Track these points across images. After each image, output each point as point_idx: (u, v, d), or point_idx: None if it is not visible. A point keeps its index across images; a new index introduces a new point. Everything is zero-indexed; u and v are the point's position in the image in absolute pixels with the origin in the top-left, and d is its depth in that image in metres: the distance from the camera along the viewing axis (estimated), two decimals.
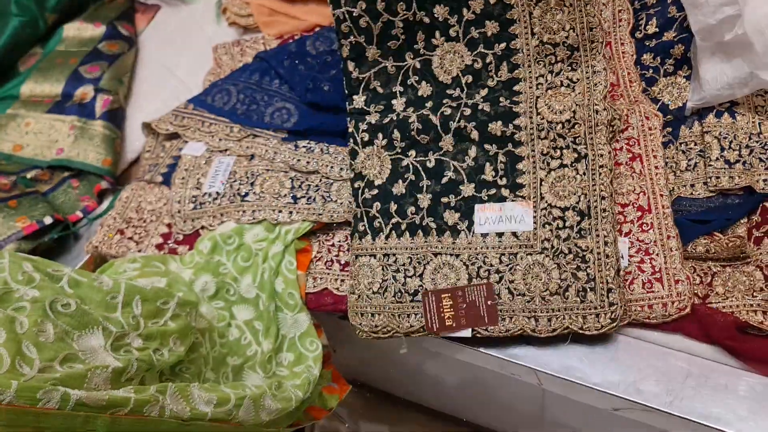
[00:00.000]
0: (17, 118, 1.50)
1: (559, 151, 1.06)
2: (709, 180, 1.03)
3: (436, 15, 1.10)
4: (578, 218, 1.01)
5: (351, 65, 1.15)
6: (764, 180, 1.00)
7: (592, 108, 1.05)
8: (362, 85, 1.16)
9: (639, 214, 1.03)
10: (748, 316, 0.94)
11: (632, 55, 1.18)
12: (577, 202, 1.02)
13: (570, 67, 1.08)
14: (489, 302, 0.99)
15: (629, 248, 1.01)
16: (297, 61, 1.35)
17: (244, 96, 1.35)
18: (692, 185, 1.05)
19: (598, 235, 0.99)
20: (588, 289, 0.97)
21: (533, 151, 1.07)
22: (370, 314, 1.06)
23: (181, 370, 0.92)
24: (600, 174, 1.02)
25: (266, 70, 1.38)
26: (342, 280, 1.13)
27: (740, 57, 1.01)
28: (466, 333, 1.00)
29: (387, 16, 1.10)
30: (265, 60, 1.39)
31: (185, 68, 1.62)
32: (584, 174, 1.03)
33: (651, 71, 1.17)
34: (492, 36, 1.10)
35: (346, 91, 1.16)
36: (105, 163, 1.40)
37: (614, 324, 0.95)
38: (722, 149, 1.04)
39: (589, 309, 0.96)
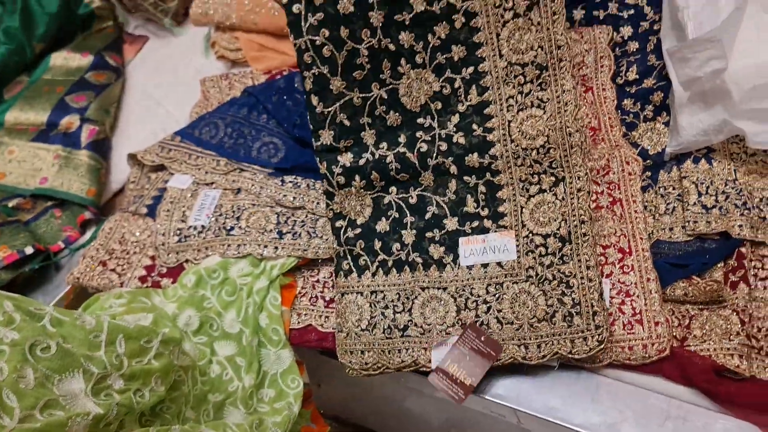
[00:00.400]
0: (0, 145, 1.50)
1: (537, 177, 1.08)
2: (687, 224, 1.05)
3: (401, 42, 1.08)
4: (560, 244, 1.03)
5: (315, 99, 1.09)
6: (740, 225, 1.03)
7: (565, 131, 1.07)
8: (328, 120, 1.11)
9: (620, 256, 1.05)
10: (725, 360, 0.95)
11: (613, 101, 1.21)
12: (558, 228, 1.04)
13: (539, 87, 1.08)
14: (483, 338, 1.01)
15: (610, 289, 1.03)
16: (285, 97, 1.36)
17: (232, 130, 1.36)
18: (671, 229, 1.07)
19: (579, 260, 1.02)
20: (574, 314, 0.99)
21: (512, 178, 1.09)
22: (359, 352, 1.06)
23: (162, 410, 0.91)
24: (578, 198, 1.05)
25: (254, 104, 1.39)
26: (327, 317, 1.13)
27: (717, 104, 1.05)
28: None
29: (351, 44, 1.06)
30: (253, 95, 1.40)
31: (172, 100, 1.63)
32: (563, 199, 1.05)
33: (631, 116, 1.20)
34: (459, 60, 1.09)
35: (311, 127, 1.12)
36: (89, 193, 1.39)
37: (601, 346, 0.97)
38: (699, 194, 1.07)
39: (577, 333, 0.98)
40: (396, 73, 1.10)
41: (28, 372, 0.72)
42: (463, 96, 1.10)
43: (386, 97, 1.11)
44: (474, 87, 1.10)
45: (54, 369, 0.75)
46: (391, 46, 1.08)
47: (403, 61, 1.09)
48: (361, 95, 1.11)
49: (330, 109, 1.10)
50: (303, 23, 1.04)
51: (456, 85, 1.10)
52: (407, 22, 1.07)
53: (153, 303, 1.10)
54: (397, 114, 1.12)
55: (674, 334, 1.00)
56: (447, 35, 1.08)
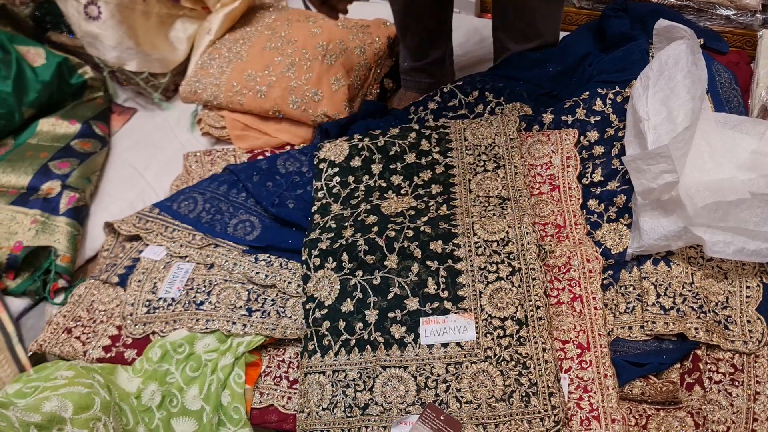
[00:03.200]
0: None
1: (495, 266, 1.14)
2: (645, 324, 1.08)
3: (392, 182, 1.33)
4: (517, 327, 1.07)
5: (317, 217, 1.32)
6: (696, 328, 1.06)
7: (523, 230, 1.16)
8: (321, 226, 1.28)
9: (579, 351, 1.07)
10: None
11: (579, 199, 1.27)
12: (515, 312, 1.08)
13: (501, 209, 1.23)
14: (442, 417, 1.02)
15: (569, 384, 1.05)
16: (266, 178, 1.40)
17: (210, 205, 1.39)
18: (630, 328, 1.10)
19: (536, 342, 1.05)
20: (531, 394, 1.01)
21: (472, 265, 1.15)
22: (319, 431, 1.06)
23: None
24: (534, 286, 1.10)
25: (234, 182, 1.43)
26: (289, 398, 1.13)
27: (675, 213, 1.11)
28: None
29: (354, 185, 1.35)
30: (234, 173, 1.44)
31: (154, 172, 1.67)
32: (519, 286, 1.11)
33: (595, 216, 1.25)
34: (436, 193, 1.29)
35: (307, 233, 1.28)
36: (64, 260, 1.40)
37: (557, 427, 0.98)
38: (658, 295, 1.11)
39: (534, 413, 1.00)
40: (383, 198, 1.32)
41: None
42: (434, 210, 1.25)
43: (369, 209, 1.29)
44: (445, 206, 1.25)
45: None
46: (384, 185, 1.34)
47: (389, 192, 1.32)
48: (351, 210, 1.30)
49: (325, 219, 1.30)
50: (323, 174, 1.38)
51: (430, 204, 1.26)
52: (399, 169, 1.35)
53: (96, 381, 1.09)
54: (375, 217, 1.25)
55: None
56: (429, 178, 1.32)
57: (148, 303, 1.26)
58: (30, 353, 1.24)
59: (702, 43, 1.41)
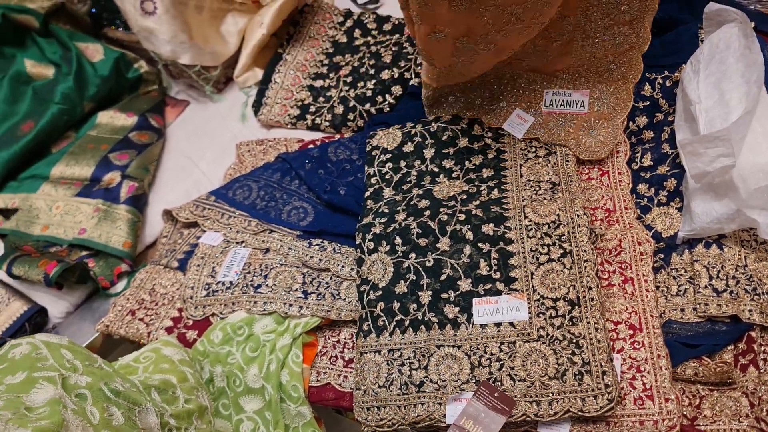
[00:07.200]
0: (48, 200, 1.58)
1: (546, 248, 1.16)
2: (698, 306, 1.09)
3: (444, 166, 1.36)
4: (569, 307, 1.09)
5: (369, 202, 1.35)
6: (750, 310, 1.06)
7: (574, 212, 1.18)
8: (374, 211, 1.31)
9: (631, 332, 1.09)
10: None
11: (628, 184, 1.27)
12: (567, 293, 1.11)
13: (552, 192, 1.24)
14: (496, 394, 1.04)
15: (621, 364, 1.06)
16: (318, 165, 1.44)
17: (264, 193, 1.44)
18: (682, 310, 1.11)
19: (588, 323, 1.07)
20: (584, 373, 1.03)
21: (523, 248, 1.17)
22: (375, 408, 1.10)
23: None
24: (585, 267, 1.12)
25: (287, 170, 1.47)
26: (345, 376, 1.17)
27: (728, 196, 1.11)
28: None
29: (406, 169, 1.38)
30: (286, 161, 1.48)
31: (208, 161, 1.71)
32: (571, 268, 1.13)
33: (645, 200, 1.26)
34: (487, 177, 1.32)
35: (360, 218, 1.31)
36: (125, 245, 1.46)
37: (612, 405, 1.00)
38: (710, 278, 1.11)
39: (587, 391, 1.02)
40: (434, 182, 1.34)
41: (114, 410, 0.76)
42: (485, 193, 1.27)
43: (421, 193, 1.31)
44: (496, 189, 1.27)
45: (132, 402, 0.79)
46: (435, 169, 1.36)
47: (441, 177, 1.35)
48: (403, 195, 1.33)
49: (377, 204, 1.33)
50: (376, 160, 1.41)
51: (481, 189, 1.28)
52: (450, 154, 1.37)
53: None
54: (427, 201, 1.28)
55: (684, 412, 1.02)
56: (480, 162, 1.35)
57: (207, 286, 1.31)
58: (97, 332, 1.30)
59: (753, 26, 1.39)
